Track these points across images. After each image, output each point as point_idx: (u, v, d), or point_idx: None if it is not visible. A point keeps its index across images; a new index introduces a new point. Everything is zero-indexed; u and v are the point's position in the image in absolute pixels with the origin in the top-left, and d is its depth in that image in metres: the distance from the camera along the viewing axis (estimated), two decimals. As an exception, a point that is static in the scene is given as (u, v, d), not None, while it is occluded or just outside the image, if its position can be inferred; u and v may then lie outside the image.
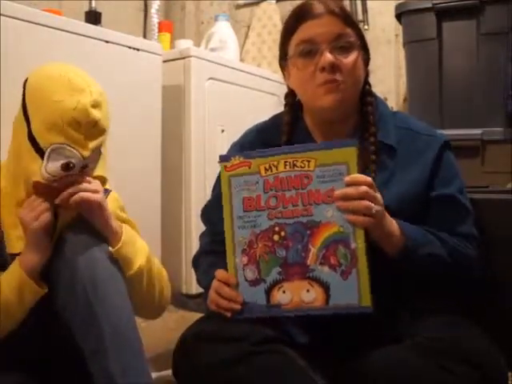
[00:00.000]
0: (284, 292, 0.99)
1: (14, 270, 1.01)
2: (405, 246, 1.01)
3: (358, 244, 0.95)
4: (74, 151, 1.00)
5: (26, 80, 1.06)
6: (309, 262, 0.98)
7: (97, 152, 1.05)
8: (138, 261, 1.08)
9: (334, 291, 0.97)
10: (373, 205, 0.95)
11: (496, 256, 1.22)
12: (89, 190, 1.03)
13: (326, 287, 0.97)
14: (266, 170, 1.00)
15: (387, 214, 1.00)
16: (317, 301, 0.97)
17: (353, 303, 0.95)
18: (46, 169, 1.00)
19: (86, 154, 1.01)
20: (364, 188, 0.95)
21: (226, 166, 1.03)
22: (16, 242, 1.05)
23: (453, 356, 0.92)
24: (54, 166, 1.00)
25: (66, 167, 1.01)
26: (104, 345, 0.94)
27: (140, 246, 1.11)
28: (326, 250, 0.97)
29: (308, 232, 0.98)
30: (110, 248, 1.05)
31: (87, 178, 1.04)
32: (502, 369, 0.96)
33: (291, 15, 1.13)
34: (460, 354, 0.92)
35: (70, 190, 1.01)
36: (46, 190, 1.02)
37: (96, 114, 1.00)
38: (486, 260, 1.12)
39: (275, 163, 1.00)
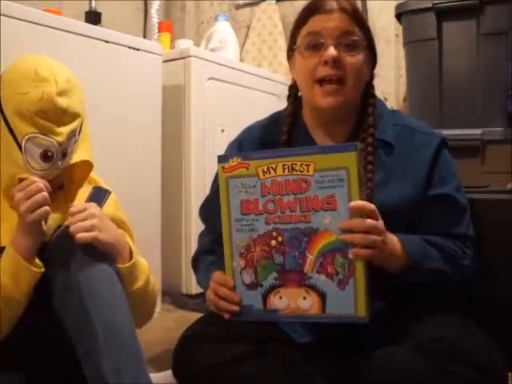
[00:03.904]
0: (280, 298, 0.98)
1: (8, 256, 0.99)
2: (407, 265, 1.00)
3: None
4: (49, 138, 1.00)
5: (2, 74, 1.06)
6: (306, 269, 0.96)
7: (72, 137, 1.04)
8: (139, 282, 1.08)
9: (330, 300, 0.95)
10: (379, 238, 0.93)
11: (496, 256, 1.21)
12: (83, 228, 0.99)
13: (322, 296, 0.96)
14: (264, 172, 0.98)
15: (389, 237, 0.98)
16: (313, 308, 0.96)
17: (349, 313, 0.94)
18: (31, 166, 1.00)
19: (61, 139, 1.01)
20: (370, 222, 0.93)
21: (223, 167, 1.00)
22: (4, 236, 1.03)
23: (453, 356, 0.91)
24: (35, 159, 1.01)
25: (45, 156, 1.01)
26: (97, 345, 0.93)
27: (143, 267, 1.11)
28: (323, 258, 0.95)
29: (306, 239, 0.96)
30: (117, 265, 1.03)
31: (77, 216, 1.00)
32: (502, 369, 0.96)
33: (304, 7, 1.14)
34: (460, 354, 0.92)
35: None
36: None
37: (62, 102, 1.00)
38: (485, 260, 1.12)
39: (273, 166, 0.97)
